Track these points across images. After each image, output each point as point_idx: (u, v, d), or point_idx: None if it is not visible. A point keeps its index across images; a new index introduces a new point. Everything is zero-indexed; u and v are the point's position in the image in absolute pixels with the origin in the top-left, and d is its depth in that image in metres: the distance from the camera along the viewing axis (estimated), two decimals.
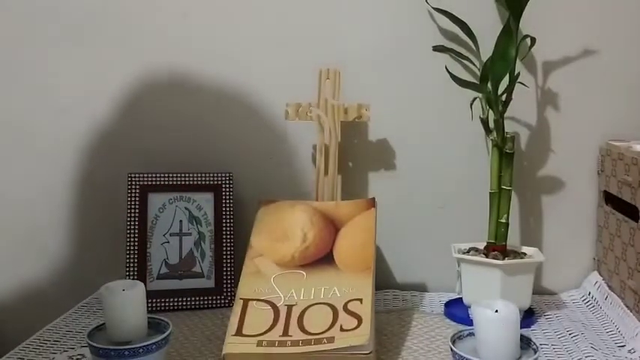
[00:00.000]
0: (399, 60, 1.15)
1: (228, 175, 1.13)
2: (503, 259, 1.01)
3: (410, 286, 1.19)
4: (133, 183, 1.11)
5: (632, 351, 0.90)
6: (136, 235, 1.09)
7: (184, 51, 1.17)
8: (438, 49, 1.13)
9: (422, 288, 1.19)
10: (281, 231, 0.98)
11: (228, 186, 1.13)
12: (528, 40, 1.07)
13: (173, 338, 0.94)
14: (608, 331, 0.99)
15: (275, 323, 0.85)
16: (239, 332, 0.84)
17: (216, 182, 1.13)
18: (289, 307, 0.87)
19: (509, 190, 1.03)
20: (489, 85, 1.01)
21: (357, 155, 1.18)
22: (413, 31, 1.14)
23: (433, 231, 1.18)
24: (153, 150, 1.20)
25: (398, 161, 1.18)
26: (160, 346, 0.82)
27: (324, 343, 0.82)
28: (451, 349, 0.81)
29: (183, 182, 1.12)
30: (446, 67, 1.06)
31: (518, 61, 1.04)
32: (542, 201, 1.17)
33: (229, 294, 1.09)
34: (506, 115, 1.03)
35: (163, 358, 0.84)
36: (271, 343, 0.82)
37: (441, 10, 1.10)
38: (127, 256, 1.09)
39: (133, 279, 1.06)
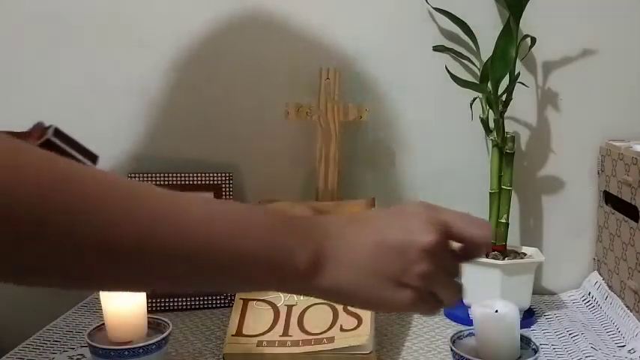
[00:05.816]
0: (399, 60, 1.15)
1: (228, 175, 1.13)
2: (503, 259, 1.01)
3: None
4: None
5: (632, 351, 0.90)
6: None
7: (184, 51, 1.17)
8: (438, 49, 1.13)
9: None
10: None
11: (228, 186, 1.13)
12: (528, 40, 1.06)
13: (173, 338, 0.94)
14: (608, 331, 0.99)
15: (275, 323, 0.85)
16: (239, 332, 0.84)
17: (216, 182, 1.13)
18: (289, 307, 0.87)
19: (509, 190, 1.03)
20: (489, 85, 1.01)
21: (357, 155, 1.18)
22: (413, 31, 1.14)
23: None
24: (153, 150, 1.20)
25: (398, 161, 1.18)
26: (160, 346, 0.82)
27: (324, 343, 0.82)
28: (451, 349, 0.81)
29: (183, 182, 1.12)
30: (446, 67, 1.06)
31: (518, 61, 1.04)
32: (542, 201, 1.17)
33: (229, 294, 1.09)
34: (506, 115, 1.03)
35: (163, 358, 0.84)
36: (271, 343, 0.83)
37: (441, 10, 1.10)
38: None
39: None
